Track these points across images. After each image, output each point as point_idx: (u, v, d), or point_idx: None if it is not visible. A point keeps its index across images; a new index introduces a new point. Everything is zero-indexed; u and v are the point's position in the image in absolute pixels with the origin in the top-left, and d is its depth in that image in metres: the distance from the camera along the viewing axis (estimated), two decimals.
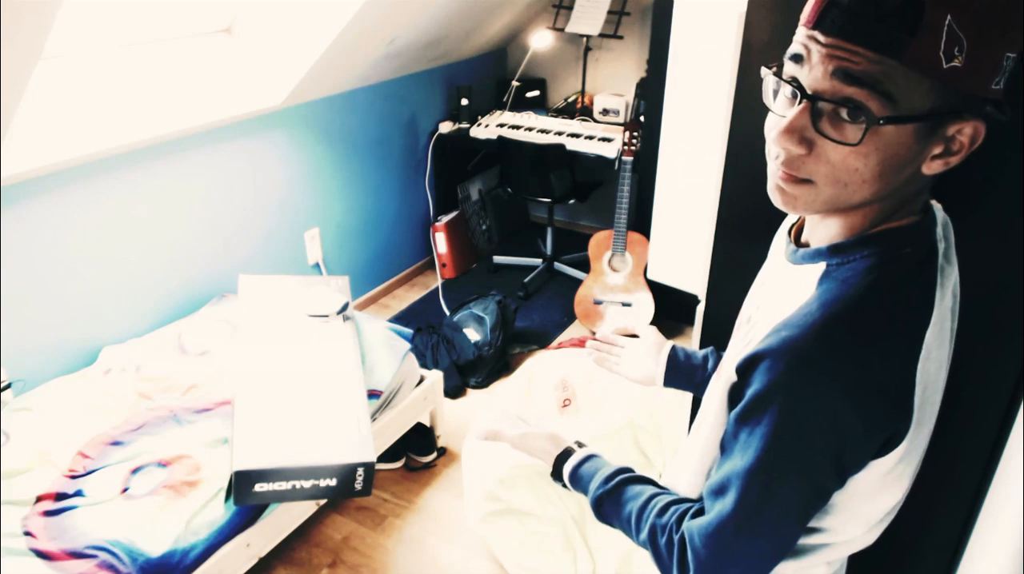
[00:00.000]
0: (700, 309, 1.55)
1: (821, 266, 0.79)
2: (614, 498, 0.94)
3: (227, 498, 1.79)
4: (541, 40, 3.76)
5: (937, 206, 0.84)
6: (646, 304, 3.23)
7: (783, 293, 0.82)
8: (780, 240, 0.95)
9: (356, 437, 1.88)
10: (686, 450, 0.95)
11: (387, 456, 2.46)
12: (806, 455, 0.74)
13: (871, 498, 0.81)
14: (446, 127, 3.73)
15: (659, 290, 3.24)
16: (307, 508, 2.06)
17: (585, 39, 3.72)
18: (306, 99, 2.96)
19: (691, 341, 1.78)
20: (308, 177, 3.11)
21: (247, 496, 1.75)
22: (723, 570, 0.80)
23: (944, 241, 0.81)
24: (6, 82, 1.67)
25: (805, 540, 0.84)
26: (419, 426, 2.52)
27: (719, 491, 0.79)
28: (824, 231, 0.81)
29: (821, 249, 0.80)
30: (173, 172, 2.53)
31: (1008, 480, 1.26)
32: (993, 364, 1.28)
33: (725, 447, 0.80)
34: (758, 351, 0.74)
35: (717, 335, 1.53)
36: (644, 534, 0.88)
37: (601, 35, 3.59)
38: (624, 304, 3.25)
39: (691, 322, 3.40)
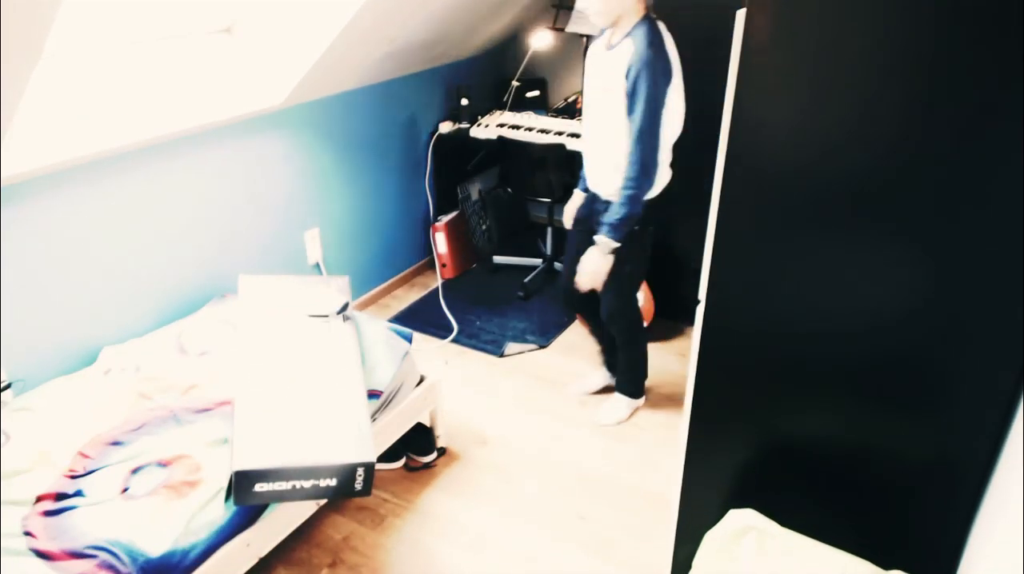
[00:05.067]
0: (700, 309, 1.55)
1: (627, 39, 2.19)
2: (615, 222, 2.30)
3: (227, 498, 1.79)
4: (541, 40, 3.76)
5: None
6: (646, 304, 3.23)
7: (616, 60, 2.21)
8: (598, 50, 2.33)
9: (356, 437, 1.88)
10: (602, 155, 2.38)
11: (387, 456, 2.46)
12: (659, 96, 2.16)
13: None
14: (446, 127, 3.73)
15: (659, 290, 3.24)
16: (307, 508, 2.06)
17: (585, 39, 3.72)
18: (306, 99, 2.96)
19: (691, 341, 1.78)
20: (308, 177, 3.11)
21: (247, 496, 1.75)
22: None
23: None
24: (6, 82, 1.67)
25: None
26: (419, 426, 2.52)
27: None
28: (617, 30, 2.24)
29: (626, 33, 2.20)
30: (173, 172, 2.53)
31: (1008, 479, 1.26)
32: (993, 362, 1.28)
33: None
34: (630, 66, 2.15)
35: (718, 335, 1.53)
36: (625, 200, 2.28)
37: None
38: None
39: (691, 322, 3.39)
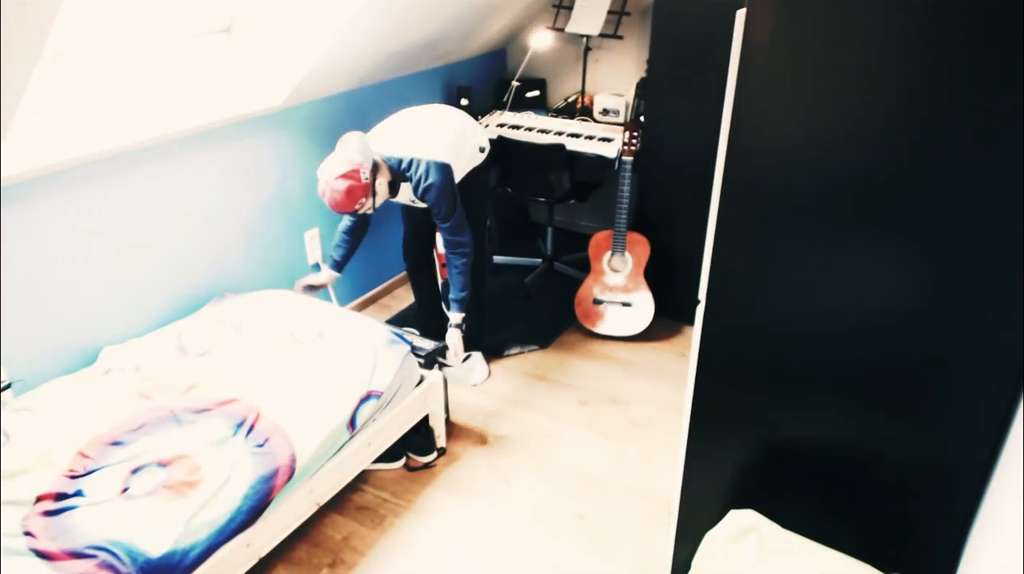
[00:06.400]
0: (700, 309, 1.55)
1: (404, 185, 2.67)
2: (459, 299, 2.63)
3: None
4: (541, 40, 3.76)
5: None
6: (646, 304, 3.23)
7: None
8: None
9: None
10: None
11: (387, 456, 2.46)
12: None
13: None
14: None
15: (659, 290, 3.24)
16: (307, 508, 2.06)
17: (585, 39, 3.72)
18: (306, 99, 2.96)
19: (691, 341, 1.78)
20: (308, 177, 3.11)
21: None
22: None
23: None
24: (6, 82, 1.67)
25: None
26: (419, 426, 2.52)
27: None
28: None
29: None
30: (173, 172, 2.53)
31: (1008, 481, 1.26)
32: (993, 363, 1.28)
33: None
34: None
35: (718, 335, 1.53)
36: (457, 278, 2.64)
37: (601, 35, 3.59)
38: (624, 304, 3.25)
39: (691, 322, 3.39)
